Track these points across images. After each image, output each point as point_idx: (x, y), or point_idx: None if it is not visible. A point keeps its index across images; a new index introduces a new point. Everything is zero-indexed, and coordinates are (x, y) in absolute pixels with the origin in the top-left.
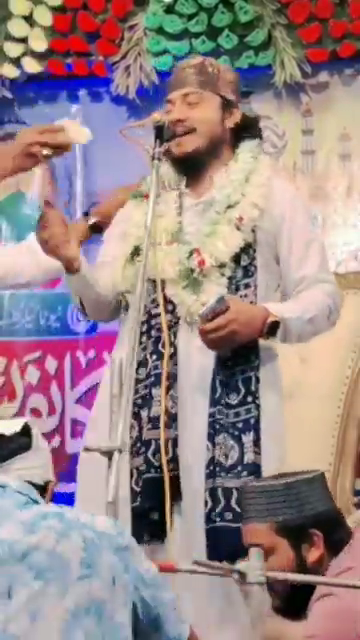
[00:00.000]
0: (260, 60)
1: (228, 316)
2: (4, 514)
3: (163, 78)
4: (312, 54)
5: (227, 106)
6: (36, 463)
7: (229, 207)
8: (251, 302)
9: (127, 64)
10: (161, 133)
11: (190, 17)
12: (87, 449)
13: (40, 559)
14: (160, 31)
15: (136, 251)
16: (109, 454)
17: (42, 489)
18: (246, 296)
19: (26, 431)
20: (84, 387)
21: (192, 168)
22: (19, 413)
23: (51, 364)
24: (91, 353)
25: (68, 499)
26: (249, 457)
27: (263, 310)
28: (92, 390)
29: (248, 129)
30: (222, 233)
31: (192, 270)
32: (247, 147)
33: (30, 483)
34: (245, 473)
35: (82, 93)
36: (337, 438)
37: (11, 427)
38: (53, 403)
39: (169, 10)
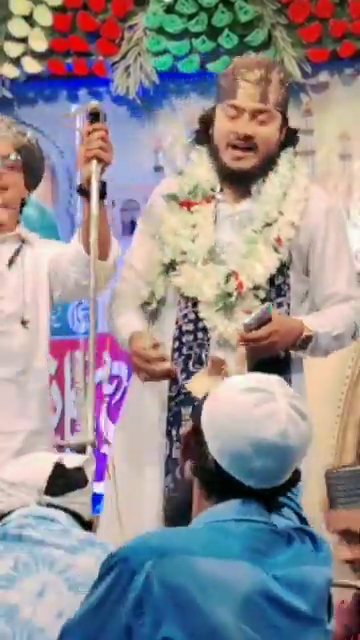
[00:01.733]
0: None
1: (271, 327)
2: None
3: (163, 78)
4: (312, 54)
5: (284, 124)
6: (87, 500)
7: (267, 225)
8: None
9: (127, 64)
10: (97, 118)
11: (190, 17)
12: (59, 446)
13: (76, 575)
14: (160, 31)
15: (172, 265)
16: (81, 448)
17: (87, 525)
18: (279, 314)
19: (81, 467)
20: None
21: (241, 182)
22: None
23: (51, 364)
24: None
25: None
26: None
27: (300, 324)
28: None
29: (289, 138)
30: (260, 254)
31: (229, 294)
32: (286, 158)
33: (78, 518)
34: None
35: (82, 93)
36: (337, 438)
37: (73, 461)
38: (53, 403)
39: (169, 10)
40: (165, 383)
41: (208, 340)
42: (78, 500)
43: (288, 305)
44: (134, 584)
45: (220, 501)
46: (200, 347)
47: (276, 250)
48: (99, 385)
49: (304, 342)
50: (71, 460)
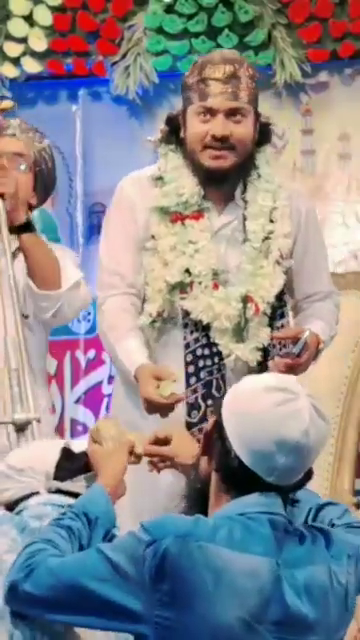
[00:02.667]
0: (260, 60)
1: (310, 352)
2: None
3: (163, 78)
4: (312, 54)
5: (257, 120)
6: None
7: (265, 239)
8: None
9: (127, 64)
10: None
11: (190, 17)
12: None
13: None
14: (160, 31)
15: (181, 286)
16: (24, 425)
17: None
18: (282, 326)
19: (87, 452)
20: (84, 387)
21: (222, 183)
22: None
23: (51, 364)
24: (91, 353)
25: None
26: None
27: (317, 337)
28: (91, 390)
29: (263, 134)
30: (266, 272)
31: (247, 320)
32: (264, 157)
33: None
34: None
35: (82, 93)
36: (336, 438)
37: (80, 446)
38: (53, 403)
39: (169, 10)
40: (182, 408)
41: (224, 365)
42: (85, 484)
43: (288, 314)
44: (150, 553)
45: (240, 496)
46: (218, 372)
47: (279, 264)
48: (99, 385)
49: (319, 351)
50: (78, 445)
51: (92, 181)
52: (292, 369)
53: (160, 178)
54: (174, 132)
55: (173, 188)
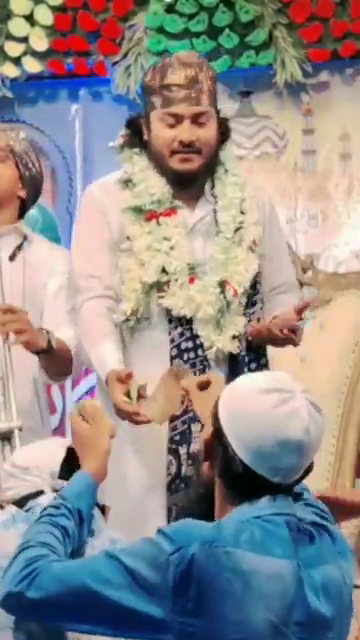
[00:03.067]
0: (261, 60)
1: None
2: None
3: None
4: (313, 54)
5: (219, 119)
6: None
7: (237, 229)
8: (258, 319)
9: (128, 64)
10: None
11: (191, 17)
12: None
13: None
14: (161, 31)
15: (157, 285)
16: (7, 434)
17: (101, 510)
18: (253, 313)
19: None
20: (84, 387)
21: (191, 183)
22: None
23: None
24: None
25: None
26: None
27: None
28: (92, 390)
29: (224, 131)
30: (240, 258)
31: (228, 303)
32: (229, 153)
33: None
34: None
35: (82, 92)
36: (337, 438)
37: None
38: (54, 403)
39: (170, 10)
40: None
41: (206, 357)
42: None
43: (261, 301)
44: (175, 560)
45: (247, 500)
46: (201, 364)
47: (253, 251)
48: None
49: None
50: None
51: (92, 180)
52: (257, 335)
53: (129, 180)
54: (136, 135)
55: (144, 188)
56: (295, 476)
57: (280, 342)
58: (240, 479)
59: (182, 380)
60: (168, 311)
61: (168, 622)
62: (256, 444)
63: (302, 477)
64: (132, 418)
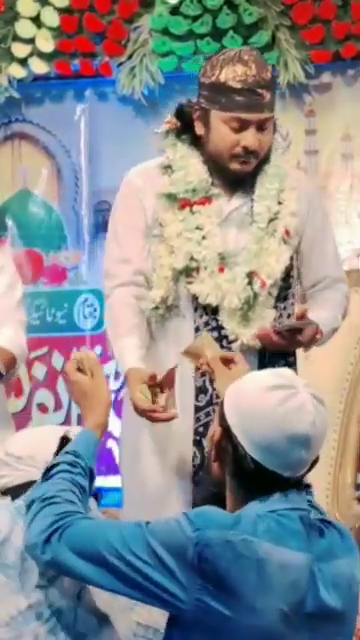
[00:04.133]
0: None
1: (304, 336)
2: None
3: (168, 79)
4: (315, 55)
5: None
6: None
7: (271, 220)
8: (289, 315)
9: (133, 65)
10: None
11: (195, 18)
12: None
13: None
14: (165, 32)
15: (185, 271)
16: None
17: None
18: (284, 309)
19: None
20: None
21: (239, 179)
22: (26, 408)
23: (57, 360)
24: (97, 350)
25: None
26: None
27: (316, 325)
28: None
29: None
30: (272, 249)
31: (256, 295)
32: (273, 145)
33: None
34: None
35: (88, 93)
36: (339, 433)
37: (75, 432)
38: (60, 399)
39: (174, 12)
40: (190, 391)
41: (231, 348)
42: None
43: (293, 296)
44: (193, 541)
45: (258, 496)
46: None
47: (285, 242)
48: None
49: (312, 344)
50: (74, 431)
51: (98, 180)
52: (263, 339)
53: (169, 167)
54: (185, 126)
55: (181, 176)
56: (304, 469)
57: (287, 346)
58: (252, 476)
59: (207, 350)
60: (194, 299)
61: (183, 598)
62: (266, 441)
63: (309, 469)
64: (148, 415)
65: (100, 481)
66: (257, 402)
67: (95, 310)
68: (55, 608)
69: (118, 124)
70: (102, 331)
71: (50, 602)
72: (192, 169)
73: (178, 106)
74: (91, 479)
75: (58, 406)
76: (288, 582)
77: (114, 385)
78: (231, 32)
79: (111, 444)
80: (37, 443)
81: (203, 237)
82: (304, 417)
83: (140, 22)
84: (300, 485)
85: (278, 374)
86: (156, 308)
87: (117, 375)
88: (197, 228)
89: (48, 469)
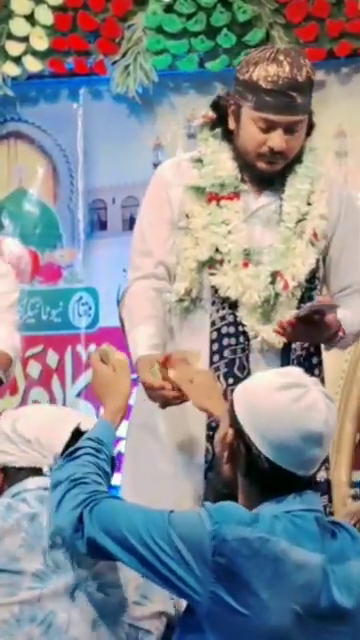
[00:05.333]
0: None
1: (320, 326)
2: None
3: (162, 76)
4: (309, 53)
5: (309, 118)
6: None
7: (299, 221)
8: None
9: (127, 63)
10: None
11: (189, 16)
12: None
13: (104, 572)
14: (159, 30)
15: (209, 263)
16: None
17: None
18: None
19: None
20: (84, 382)
21: (266, 178)
22: (20, 406)
23: (52, 358)
24: (92, 348)
25: None
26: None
27: (339, 323)
28: (92, 385)
29: (309, 126)
30: (298, 251)
31: (277, 294)
32: (307, 145)
33: None
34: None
35: (83, 91)
36: (335, 429)
37: (87, 424)
38: (54, 397)
39: (168, 9)
40: None
41: (249, 345)
42: None
43: (316, 298)
44: (210, 535)
45: (272, 496)
46: (242, 352)
47: (313, 245)
48: None
49: (336, 340)
50: (85, 423)
51: (93, 178)
52: (284, 330)
53: (200, 160)
54: (220, 119)
55: (211, 170)
56: (316, 467)
57: (306, 334)
58: (266, 476)
59: (171, 371)
60: (214, 292)
61: (198, 590)
62: (280, 440)
63: (320, 467)
64: (159, 393)
65: None
66: (270, 402)
67: (90, 308)
68: (49, 610)
69: (112, 122)
70: (97, 329)
71: (43, 604)
72: (222, 164)
73: (215, 98)
74: (112, 468)
75: (52, 404)
76: (303, 582)
77: None
78: (225, 30)
79: None
80: (48, 429)
81: (229, 232)
82: (317, 415)
83: (134, 20)
84: (313, 484)
85: (288, 373)
86: (180, 300)
87: None
88: (223, 222)
89: (72, 451)
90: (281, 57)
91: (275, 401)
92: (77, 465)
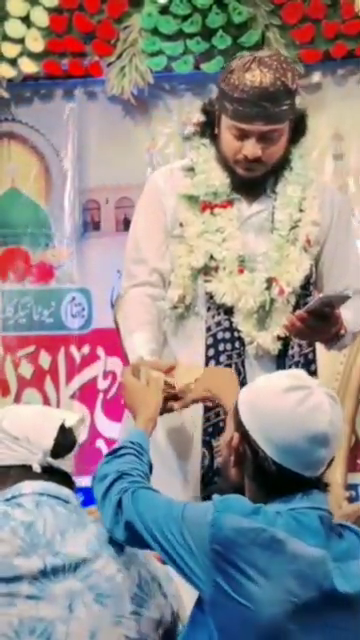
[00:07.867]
0: None
1: (327, 321)
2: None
3: (158, 78)
4: (305, 55)
5: (292, 120)
6: (71, 460)
7: (292, 228)
8: None
9: (122, 64)
10: None
11: (184, 18)
12: None
13: (100, 582)
14: (155, 32)
15: (204, 270)
16: None
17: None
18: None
19: (72, 427)
20: (78, 383)
21: (253, 186)
22: None
23: (45, 359)
24: (85, 349)
25: None
26: None
27: (341, 321)
28: (86, 386)
29: (298, 130)
30: (292, 257)
31: (272, 300)
32: (298, 152)
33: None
34: None
35: (78, 92)
36: None
37: (71, 418)
38: (48, 398)
39: (164, 11)
40: None
41: (244, 350)
42: (69, 462)
43: None
44: (210, 523)
45: (279, 497)
46: (238, 357)
47: (306, 251)
48: (94, 380)
49: (339, 337)
50: (69, 418)
51: (86, 179)
52: (294, 325)
53: (192, 169)
54: (209, 124)
55: (203, 179)
56: (323, 468)
57: (315, 329)
58: (273, 478)
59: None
60: (209, 298)
61: (202, 578)
62: (286, 442)
63: (327, 467)
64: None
65: (86, 481)
66: (275, 404)
67: (83, 309)
68: (48, 622)
69: (107, 123)
70: (90, 330)
71: (42, 616)
72: (214, 173)
73: (207, 101)
74: (150, 471)
75: (45, 405)
76: (300, 573)
77: (102, 385)
78: (221, 31)
79: (100, 444)
80: (36, 426)
81: (224, 239)
82: (322, 417)
83: (129, 22)
84: (321, 484)
85: (291, 375)
86: (174, 307)
87: (105, 375)
88: (218, 230)
89: (116, 449)
90: (255, 66)
91: (280, 403)
92: (123, 462)
